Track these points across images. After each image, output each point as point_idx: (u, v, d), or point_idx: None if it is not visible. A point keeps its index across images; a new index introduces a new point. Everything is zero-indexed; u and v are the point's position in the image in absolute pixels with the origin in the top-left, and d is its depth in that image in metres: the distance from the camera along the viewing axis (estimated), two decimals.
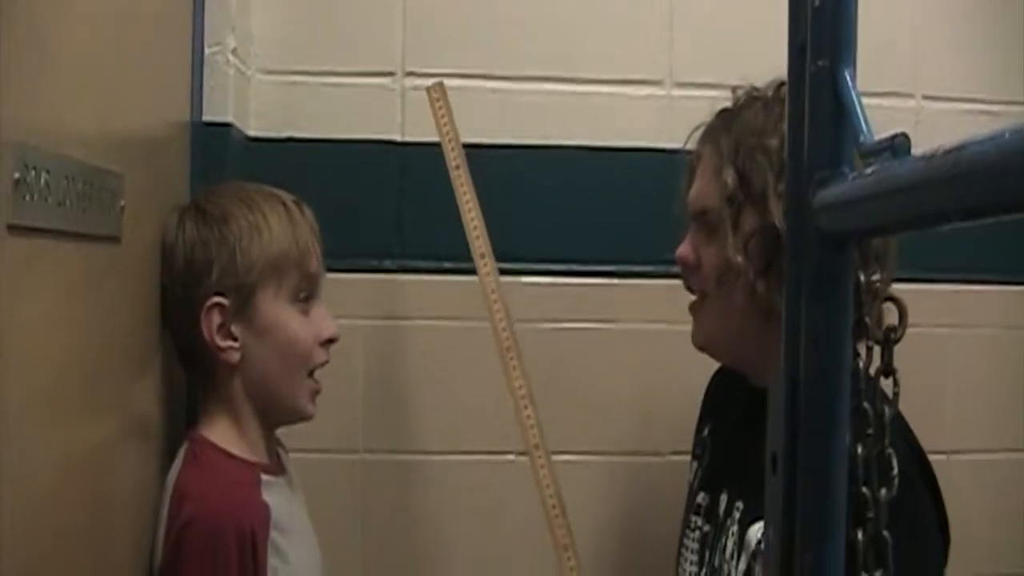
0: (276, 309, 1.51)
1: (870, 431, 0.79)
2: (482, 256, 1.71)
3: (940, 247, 2.01)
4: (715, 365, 1.74)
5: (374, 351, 1.99)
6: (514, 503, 1.94)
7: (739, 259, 1.44)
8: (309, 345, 1.55)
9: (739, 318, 1.48)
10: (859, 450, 0.79)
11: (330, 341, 1.58)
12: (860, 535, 0.79)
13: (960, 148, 0.56)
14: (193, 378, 1.59)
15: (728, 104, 1.55)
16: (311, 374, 1.56)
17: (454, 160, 1.76)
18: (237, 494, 1.45)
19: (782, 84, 1.44)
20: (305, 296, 1.55)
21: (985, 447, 2.13)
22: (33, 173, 1.00)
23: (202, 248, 1.49)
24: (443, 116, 1.77)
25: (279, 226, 1.52)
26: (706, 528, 1.59)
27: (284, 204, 1.55)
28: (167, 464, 1.49)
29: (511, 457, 2.02)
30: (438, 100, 1.78)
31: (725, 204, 1.46)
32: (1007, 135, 0.52)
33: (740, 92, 1.55)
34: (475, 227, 1.73)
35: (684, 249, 1.56)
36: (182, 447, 1.49)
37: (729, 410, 1.65)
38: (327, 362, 1.58)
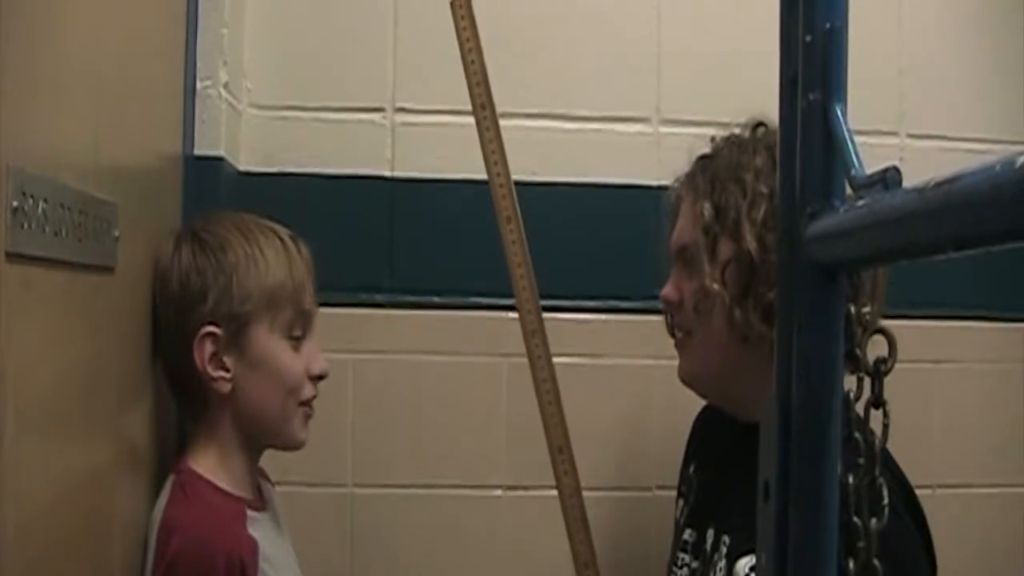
0: (269, 342, 1.51)
1: (861, 461, 0.79)
2: (508, 220, 1.69)
3: (927, 284, 2.03)
4: (700, 400, 1.75)
5: (364, 385, 1.99)
6: (502, 538, 1.94)
7: (715, 287, 1.47)
8: (299, 379, 1.54)
9: (720, 347, 1.51)
10: (850, 479, 0.80)
11: (320, 377, 1.58)
12: (852, 564, 0.79)
13: (952, 180, 0.57)
14: (182, 407, 1.59)
15: (707, 150, 1.60)
16: (301, 404, 1.56)
17: (475, 75, 1.69)
18: (226, 527, 1.44)
19: (758, 125, 1.52)
20: (299, 334, 1.55)
21: (971, 482, 2.14)
22: (31, 201, 1.00)
23: (197, 276, 1.49)
24: (465, 29, 1.70)
25: (275, 259, 1.52)
26: (694, 564, 1.59)
27: (281, 238, 1.55)
28: (157, 493, 1.48)
29: (498, 493, 2.02)
30: (461, 10, 1.71)
31: (701, 236, 1.50)
32: (998, 167, 0.53)
33: (719, 138, 1.59)
34: (502, 186, 1.70)
35: (667, 289, 1.60)
36: (169, 479, 1.49)
37: (714, 447, 1.67)
38: (315, 397, 1.58)
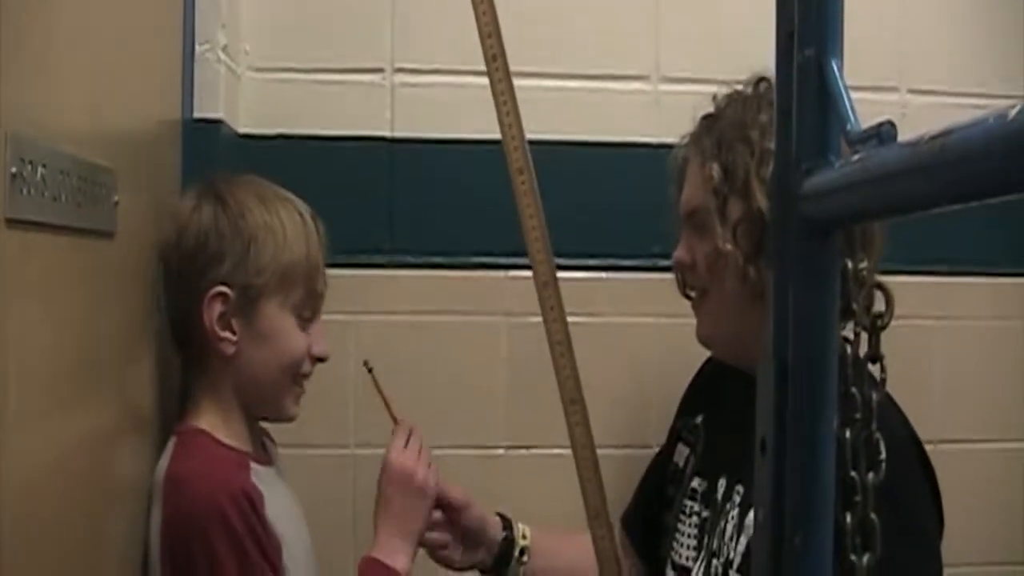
0: (279, 318, 1.52)
1: (857, 416, 0.80)
2: (520, 171, 1.66)
3: (927, 240, 2.02)
4: (701, 358, 1.76)
5: (365, 346, 1.99)
6: (504, 496, 1.95)
7: (728, 247, 1.48)
8: (301, 356, 1.55)
9: (736, 306, 1.52)
10: (847, 434, 0.80)
11: (320, 359, 1.59)
12: (848, 518, 0.80)
13: (945, 134, 0.57)
14: (185, 362, 1.59)
15: (710, 110, 1.60)
16: (296, 380, 1.57)
17: (486, 26, 1.65)
18: (230, 475, 1.45)
19: (760, 80, 1.52)
20: (308, 316, 1.56)
21: (971, 437, 2.15)
22: (29, 167, 1.00)
23: (216, 237, 1.48)
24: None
25: (295, 235, 1.52)
26: (704, 513, 1.61)
27: (301, 214, 1.55)
28: (160, 455, 1.49)
29: (500, 451, 2.03)
30: None
31: (711, 197, 1.51)
32: (991, 120, 0.53)
33: (721, 96, 1.59)
34: (514, 138, 1.66)
35: (679, 252, 1.60)
36: (170, 440, 1.49)
37: (724, 398, 1.67)
38: (310, 375, 1.59)
